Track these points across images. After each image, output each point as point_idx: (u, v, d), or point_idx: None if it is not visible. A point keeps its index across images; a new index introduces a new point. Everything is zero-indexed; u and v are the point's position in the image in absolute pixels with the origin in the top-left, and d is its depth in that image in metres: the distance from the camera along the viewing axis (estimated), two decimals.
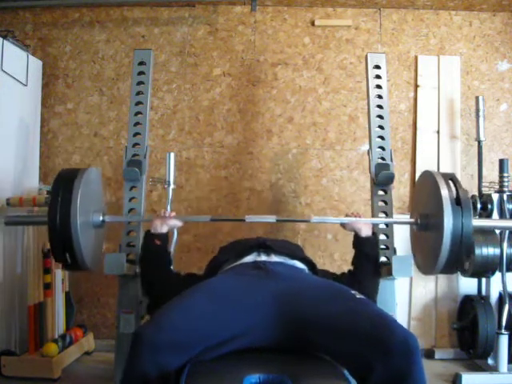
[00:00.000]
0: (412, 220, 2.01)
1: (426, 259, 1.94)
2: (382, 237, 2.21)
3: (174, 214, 2.07)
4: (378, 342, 1.30)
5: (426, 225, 1.91)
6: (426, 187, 1.95)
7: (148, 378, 1.27)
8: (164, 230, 1.99)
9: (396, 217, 2.39)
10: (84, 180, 1.82)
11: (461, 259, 1.80)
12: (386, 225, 2.23)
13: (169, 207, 2.43)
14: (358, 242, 2.02)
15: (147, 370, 1.27)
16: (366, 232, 2.01)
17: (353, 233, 2.05)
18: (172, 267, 2.03)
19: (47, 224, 1.76)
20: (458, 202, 1.75)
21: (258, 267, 1.65)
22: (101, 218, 1.97)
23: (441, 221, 1.73)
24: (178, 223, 2.07)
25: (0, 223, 2.54)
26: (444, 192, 1.77)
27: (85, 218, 1.83)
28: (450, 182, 1.81)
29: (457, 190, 1.78)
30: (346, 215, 2.11)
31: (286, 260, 1.77)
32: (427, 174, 1.94)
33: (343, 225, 2.07)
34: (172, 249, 2.40)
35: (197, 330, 1.36)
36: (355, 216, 2.05)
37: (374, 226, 2.15)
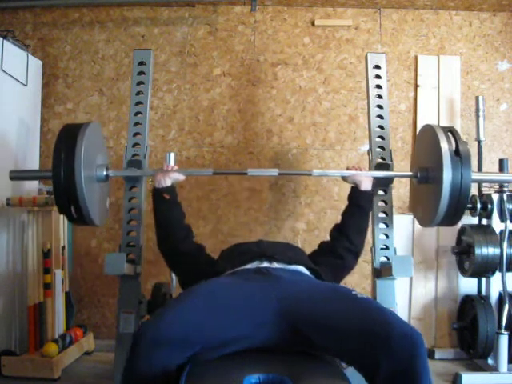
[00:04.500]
0: (411, 173, 2.04)
1: (426, 211, 1.97)
2: (382, 237, 2.21)
3: (176, 167, 2.13)
4: (380, 338, 1.30)
5: (425, 178, 1.94)
6: (425, 140, 1.97)
7: (149, 375, 1.28)
8: (168, 182, 2.02)
9: (396, 217, 2.39)
10: (87, 135, 1.84)
11: (460, 210, 1.83)
12: (386, 225, 2.23)
13: None
14: (356, 194, 2.07)
15: (148, 366, 1.28)
16: (365, 186, 2.06)
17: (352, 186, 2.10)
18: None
19: (51, 178, 1.80)
20: (457, 153, 1.78)
21: (260, 272, 1.66)
22: (104, 173, 2.01)
23: (440, 172, 1.77)
24: (180, 176, 2.09)
25: (1, 225, 2.54)
26: (443, 144, 1.80)
27: (89, 173, 1.87)
28: (450, 134, 1.82)
29: (456, 142, 1.80)
30: (348, 168, 2.17)
31: (287, 266, 1.76)
32: (427, 128, 1.96)
33: (344, 178, 2.13)
34: None
35: (197, 330, 1.36)
36: (356, 169, 2.11)
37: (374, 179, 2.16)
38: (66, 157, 1.79)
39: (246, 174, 2.21)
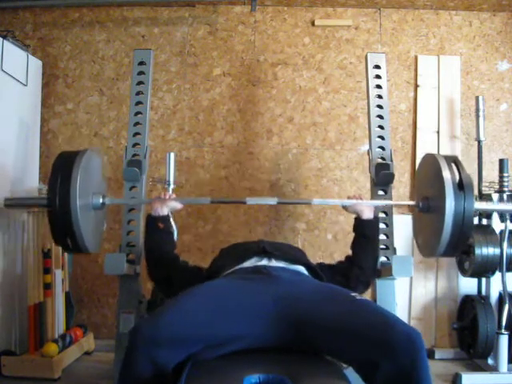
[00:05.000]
0: (413, 202, 2.03)
1: (428, 241, 1.95)
2: (382, 236, 2.21)
3: (174, 195, 2.11)
4: (381, 340, 1.30)
5: (427, 207, 1.92)
6: (428, 169, 1.95)
7: (144, 374, 1.28)
8: (165, 211, 2.01)
9: (396, 217, 2.39)
10: (83, 162, 1.83)
11: (462, 241, 1.81)
12: (386, 225, 2.23)
13: None
14: (359, 224, 2.03)
15: (143, 365, 1.28)
16: (367, 214, 2.02)
17: (354, 217, 2.07)
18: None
19: (47, 206, 1.78)
20: (460, 184, 1.76)
21: (258, 271, 1.65)
22: (101, 200, 1.99)
23: (442, 203, 1.75)
24: (177, 205, 2.08)
25: (0, 225, 2.54)
26: (446, 174, 1.78)
27: (85, 201, 1.85)
28: (453, 164, 1.81)
29: (459, 172, 1.79)
30: (348, 197, 2.14)
31: (287, 265, 1.76)
32: (429, 157, 1.94)
33: (345, 207, 2.10)
34: None
35: (194, 329, 1.36)
36: (357, 198, 2.07)
37: (376, 208, 2.15)
38: (61, 188, 1.76)
39: (244, 203, 2.16)
